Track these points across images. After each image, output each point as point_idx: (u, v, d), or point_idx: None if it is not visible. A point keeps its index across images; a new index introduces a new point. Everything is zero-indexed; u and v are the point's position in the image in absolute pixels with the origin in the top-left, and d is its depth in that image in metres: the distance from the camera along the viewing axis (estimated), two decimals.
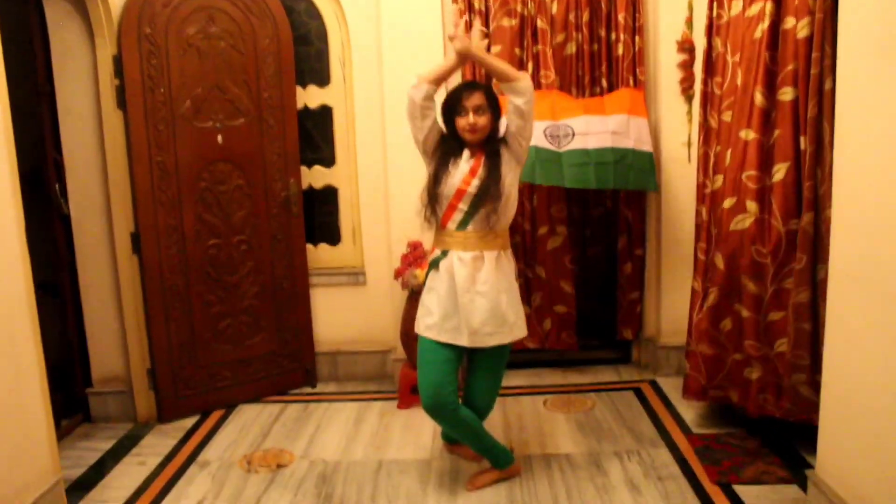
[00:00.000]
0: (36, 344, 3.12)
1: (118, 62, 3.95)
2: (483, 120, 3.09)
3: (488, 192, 3.07)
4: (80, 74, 4.03)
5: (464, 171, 3.12)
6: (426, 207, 3.18)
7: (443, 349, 3.16)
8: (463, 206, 3.11)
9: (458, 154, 3.17)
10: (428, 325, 3.19)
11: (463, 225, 3.13)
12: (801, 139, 3.09)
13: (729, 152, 3.45)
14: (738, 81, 3.37)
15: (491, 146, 3.15)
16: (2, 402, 2.90)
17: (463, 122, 3.11)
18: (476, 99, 3.09)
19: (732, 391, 3.64)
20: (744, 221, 3.38)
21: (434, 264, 3.22)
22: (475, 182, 3.09)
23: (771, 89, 3.25)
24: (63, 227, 4.14)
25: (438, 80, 3.12)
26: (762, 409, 3.49)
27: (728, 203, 3.44)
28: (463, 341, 3.13)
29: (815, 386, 3.20)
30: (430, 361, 3.16)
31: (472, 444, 3.35)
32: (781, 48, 3.17)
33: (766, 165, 3.30)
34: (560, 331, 4.65)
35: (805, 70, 3.00)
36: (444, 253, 3.18)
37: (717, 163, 3.60)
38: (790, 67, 3.10)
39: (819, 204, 3.06)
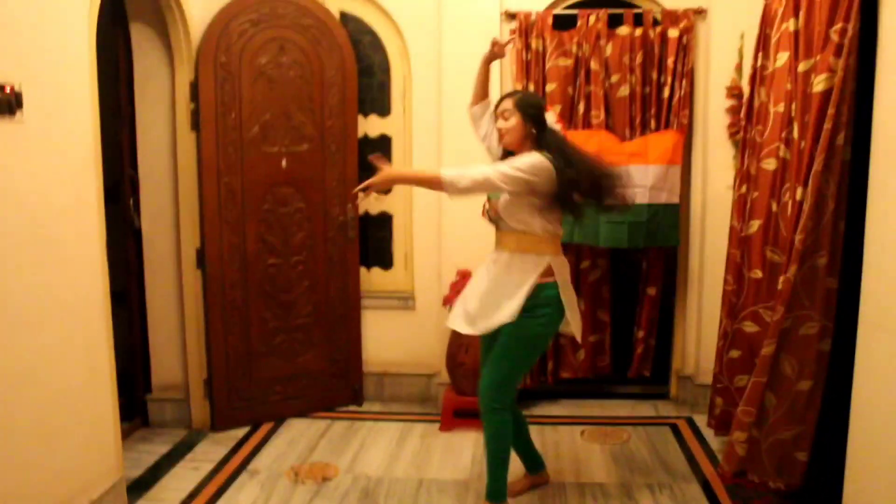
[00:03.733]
0: (109, 349, 3.36)
1: (194, 87, 4.20)
2: (506, 124, 3.28)
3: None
4: (158, 97, 4.31)
5: None
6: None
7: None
8: (488, 216, 3.41)
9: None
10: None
11: (495, 223, 3.39)
12: (799, 190, 3.21)
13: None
14: (783, 134, 3.47)
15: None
16: (77, 400, 3.15)
17: (496, 128, 3.38)
18: (504, 104, 3.33)
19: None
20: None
21: None
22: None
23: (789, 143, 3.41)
24: (134, 240, 4.39)
25: (476, 96, 3.64)
26: None
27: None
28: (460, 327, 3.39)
29: (754, 443, 3.39)
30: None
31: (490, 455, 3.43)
32: (802, 101, 3.31)
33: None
34: (594, 358, 4.82)
35: (816, 124, 3.11)
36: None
37: (754, 209, 3.73)
38: (806, 120, 3.21)
39: (812, 255, 3.17)
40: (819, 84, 3.07)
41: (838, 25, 3.01)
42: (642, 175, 4.34)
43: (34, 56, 2.90)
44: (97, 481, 3.27)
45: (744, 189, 3.87)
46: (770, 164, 3.58)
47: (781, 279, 3.29)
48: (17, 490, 2.78)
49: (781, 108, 3.46)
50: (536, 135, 3.28)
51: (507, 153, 3.37)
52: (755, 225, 3.67)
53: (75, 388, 3.14)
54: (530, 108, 3.29)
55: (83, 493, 3.17)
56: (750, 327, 3.71)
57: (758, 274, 3.66)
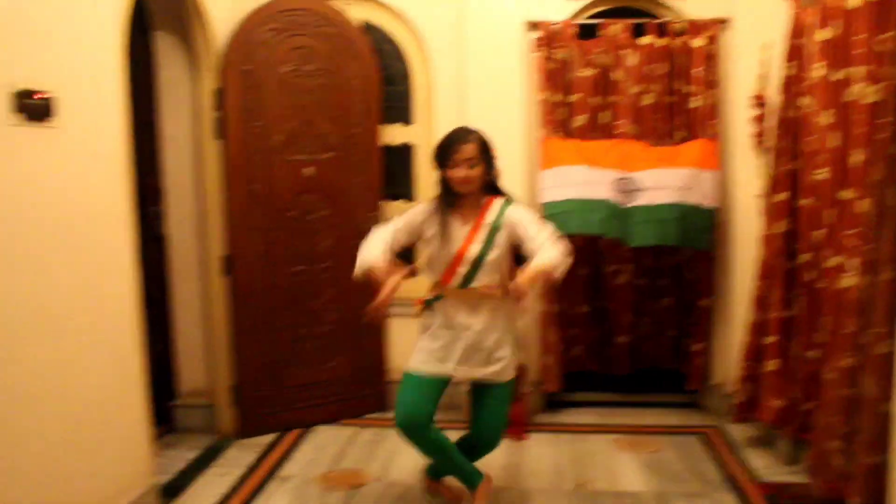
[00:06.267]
0: (140, 355, 3.35)
1: (219, 95, 4.20)
2: (476, 172, 3.17)
3: (485, 258, 3.21)
4: (181, 106, 4.31)
5: (461, 237, 3.23)
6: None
7: (427, 378, 3.31)
8: (462, 270, 3.23)
9: (454, 207, 3.26)
10: (418, 360, 3.35)
11: (464, 284, 3.26)
12: (864, 202, 3.18)
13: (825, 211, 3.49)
14: (830, 143, 3.42)
15: (487, 203, 3.28)
16: (112, 406, 3.13)
17: (455, 175, 3.17)
18: (468, 151, 3.15)
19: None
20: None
21: (428, 304, 3.38)
22: (473, 248, 3.21)
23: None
24: (158, 247, 4.36)
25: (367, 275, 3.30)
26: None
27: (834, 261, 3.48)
28: (447, 371, 3.29)
29: (849, 456, 3.25)
30: (411, 388, 3.31)
31: (443, 465, 3.48)
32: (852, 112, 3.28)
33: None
34: (623, 358, 4.87)
35: (870, 134, 3.10)
36: (438, 297, 3.34)
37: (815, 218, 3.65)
38: (859, 131, 3.19)
39: (876, 269, 3.10)
40: (870, 95, 3.06)
41: (885, 34, 3.01)
42: (671, 177, 4.36)
43: (68, 65, 2.92)
44: (130, 487, 3.24)
45: (783, 196, 3.87)
46: (824, 174, 3.50)
47: (845, 287, 3.24)
48: (52, 497, 2.75)
49: (829, 117, 3.44)
50: (490, 179, 3.28)
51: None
52: (821, 234, 3.60)
53: (108, 395, 3.13)
54: (491, 154, 3.25)
55: (116, 498, 3.14)
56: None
57: (824, 283, 3.56)
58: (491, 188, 3.30)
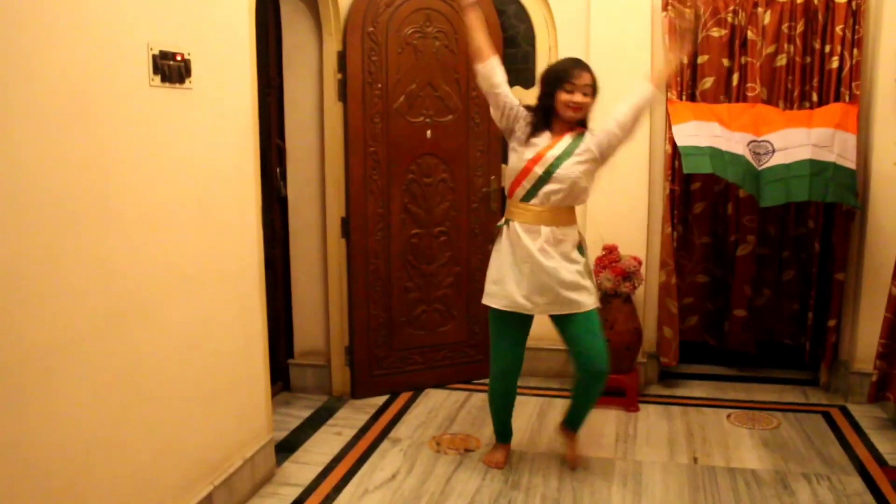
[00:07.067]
0: (263, 314, 3.44)
1: (342, 58, 4.22)
2: (589, 100, 3.26)
3: (563, 162, 3.24)
4: (306, 68, 4.36)
5: (544, 143, 3.27)
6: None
7: (512, 321, 3.42)
8: (537, 171, 3.24)
9: (542, 130, 3.29)
10: (487, 292, 3.44)
11: (527, 198, 3.29)
12: None
13: None
14: None
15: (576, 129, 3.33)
16: (233, 364, 3.23)
17: (567, 99, 3.22)
18: (587, 79, 3.24)
19: None
20: None
21: (498, 228, 3.45)
22: (553, 151, 3.24)
23: None
24: (280, 208, 4.47)
25: (488, 48, 3.27)
26: None
27: None
28: (524, 307, 3.33)
29: None
30: (504, 336, 3.48)
31: (498, 406, 3.68)
32: None
33: None
34: (740, 332, 4.68)
35: None
36: (507, 222, 3.37)
37: None
38: None
39: None
40: None
41: None
42: (803, 135, 4.13)
43: (201, 27, 2.95)
44: (250, 441, 3.35)
45: None
46: None
47: None
48: (181, 447, 2.87)
49: None
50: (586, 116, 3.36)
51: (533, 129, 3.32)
52: None
53: (232, 352, 3.22)
54: (598, 90, 3.30)
55: (238, 452, 3.25)
56: None
57: None
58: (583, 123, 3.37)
